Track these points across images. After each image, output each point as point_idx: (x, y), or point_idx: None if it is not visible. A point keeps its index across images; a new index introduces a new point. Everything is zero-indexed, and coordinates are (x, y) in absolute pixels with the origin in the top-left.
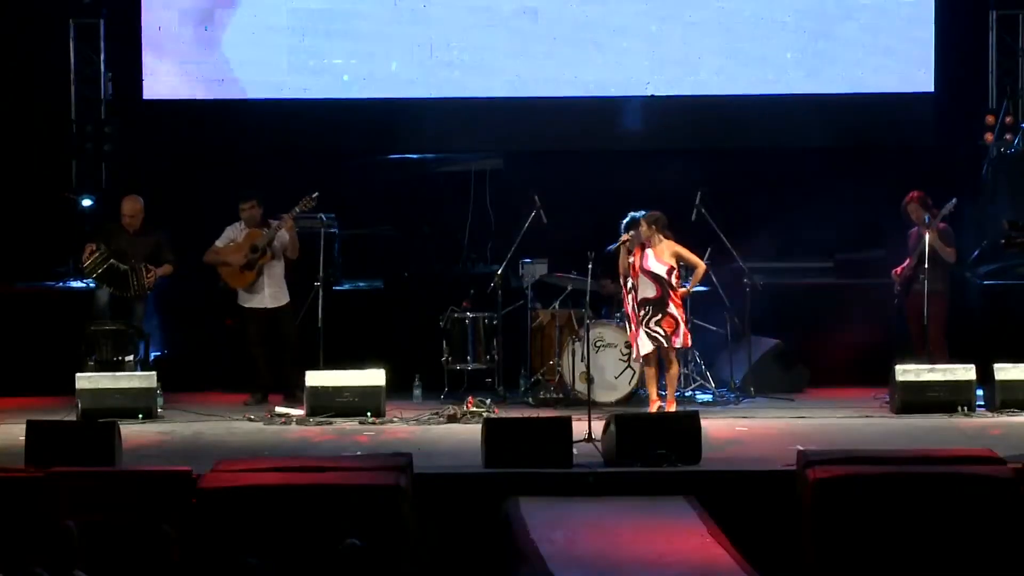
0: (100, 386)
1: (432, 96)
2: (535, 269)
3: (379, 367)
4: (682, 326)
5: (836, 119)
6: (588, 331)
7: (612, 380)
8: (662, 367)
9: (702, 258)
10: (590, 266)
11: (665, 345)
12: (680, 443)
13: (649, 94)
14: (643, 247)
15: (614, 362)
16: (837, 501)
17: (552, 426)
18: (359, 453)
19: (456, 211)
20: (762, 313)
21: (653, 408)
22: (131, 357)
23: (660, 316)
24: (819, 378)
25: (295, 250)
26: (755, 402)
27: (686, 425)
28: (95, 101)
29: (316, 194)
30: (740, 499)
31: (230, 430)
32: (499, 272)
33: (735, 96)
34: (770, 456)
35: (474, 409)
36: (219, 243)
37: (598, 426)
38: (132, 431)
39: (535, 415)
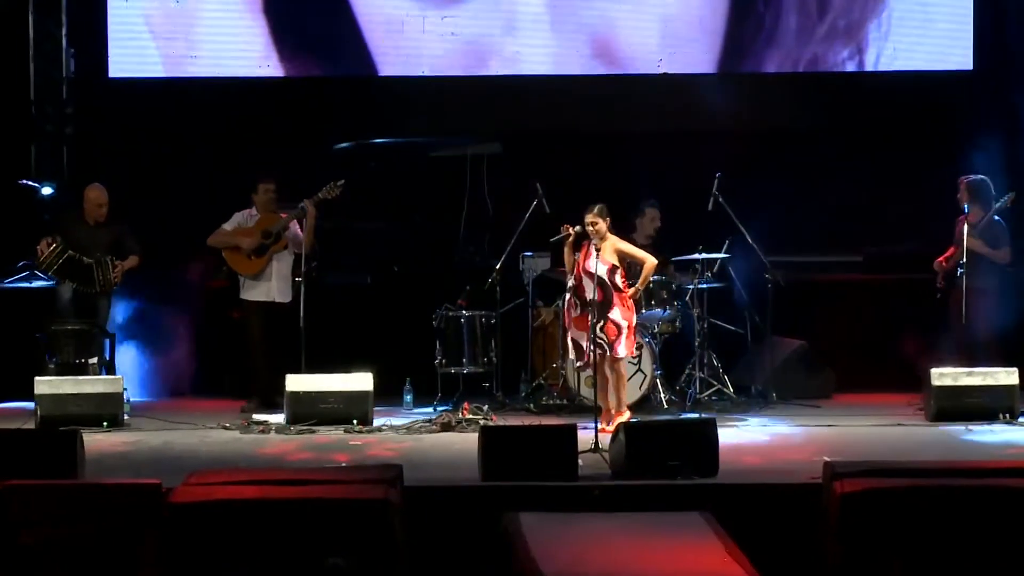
0: (61, 391)
1: (424, 74)
2: (537, 263)
3: (366, 370)
4: (625, 333)
5: (866, 98)
6: (595, 331)
7: None
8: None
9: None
10: (597, 260)
11: (608, 354)
12: (695, 454)
13: (662, 72)
14: (589, 243)
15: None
16: (866, 517)
17: (555, 435)
18: (344, 464)
19: (450, 200)
20: (785, 312)
21: (605, 424)
22: (95, 359)
23: (602, 322)
24: (847, 382)
25: (311, 243)
26: (777, 409)
27: (702, 434)
28: (56, 80)
29: (342, 181)
30: (761, 515)
31: (203, 440)
32: (497, 267)
33: (754, 74)
34: (794, 468)
35: (470, 416)
36: (227, 226)
37: (605, 435)
38: (96, 440)
39: (537, 423)
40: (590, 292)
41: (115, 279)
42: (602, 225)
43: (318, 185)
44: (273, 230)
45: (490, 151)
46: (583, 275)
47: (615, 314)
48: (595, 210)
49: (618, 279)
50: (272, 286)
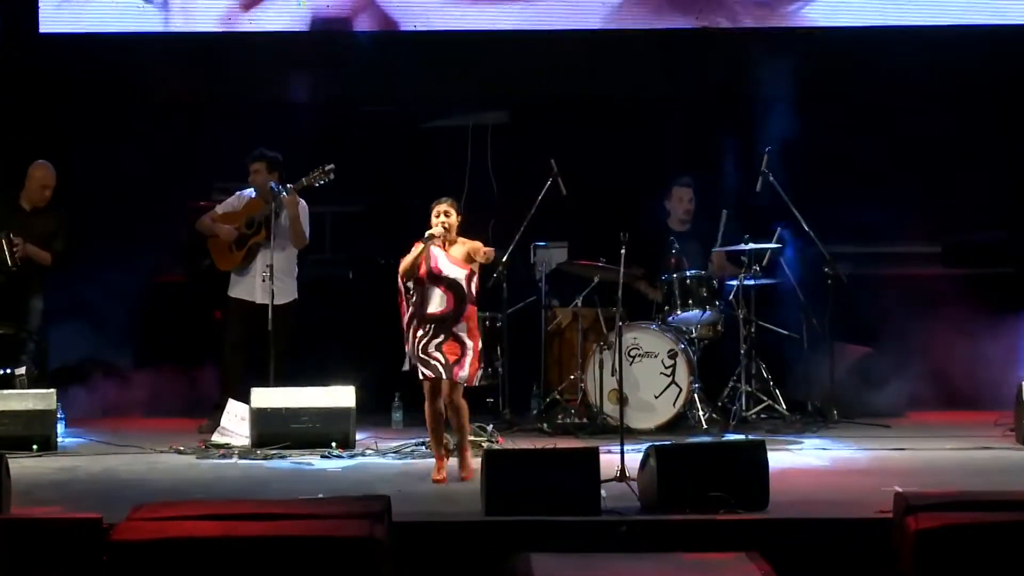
0: None
1: (418, 29)
2: (551, 255)
3: (347, 383)
4: (470, 355)
5: (942, 58)
6: (620, 336)
7: (651, 400)
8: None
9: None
10: (623, 251)
11: (443, 377)
12: (741, 483)
13: (701, 26)
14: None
15: (654, 377)
16: (945, 558)
17: (574, 460)
18: (321, 496)
19: (449, 178)
20: (848, 313)
21: (436, 474)
22: (23, 370)
23: (442, 337)
24: (922, 398)
25: (298, 236)
26: (839, 429)
27: (749, 459)
28: None
29: (332, 166)
30: (819, 556)
31: (152, 466)
32: (504, 259)
33: (809, 30)
34: (858, 500)
35: (472, 438)
36: (219, 209)
37: (634, 461)
38: (24, 467)
39: (551, 446)
40: (435, 303)
41: (13, 261)
42: (455, 220)
43: (293, 160)
44: (256, 218)
45: (495, 120)
46: (428, 282)
47: (462, 331)
48: (448, 200)
49: (473, 288)
50: (255, 285)
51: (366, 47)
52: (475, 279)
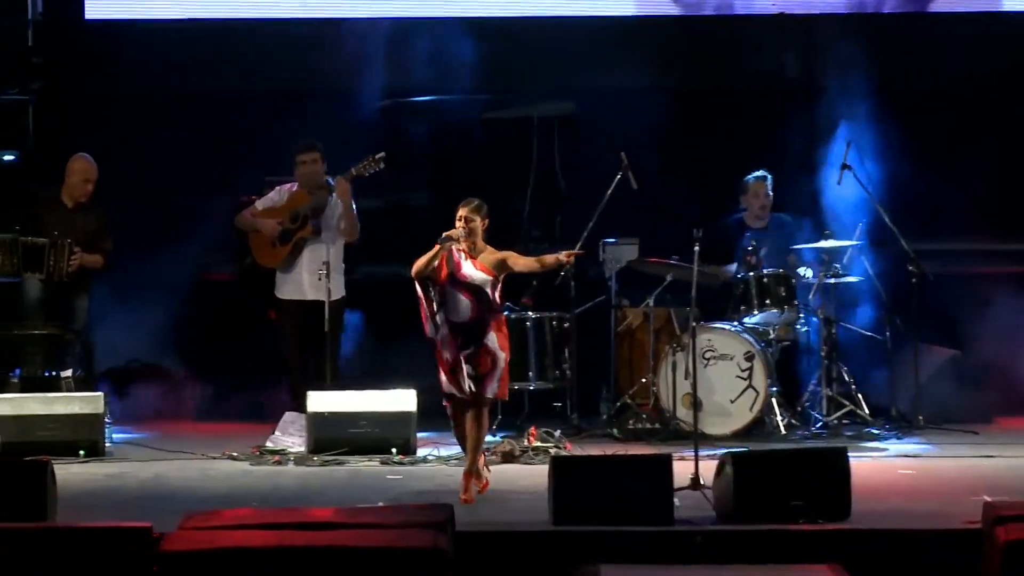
0: (27, 411)
1: (478, 15)
2: (621, 252)
3: (408, 386)
4: (501, 367)
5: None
6: (694, 337)
7: (727, 405)
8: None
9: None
10: (697, 248)
11: (472, 390)
12: (822, 492)
13: (778, 12)
14: (454, 248)
15: (730, 380)
16: None
17: (645, 467)
18: (381, 504)
19: (513, 172)
20: (934, 313)
21: (464, 492)
22: (69, 372)
23: (472, 348)
24: (1012, 403)
25: (352, 228)
26: (925, 435)
27: (831, 467)
28: (19, 23)
29: (382, 154)
30: (903, 569)
31: (204, 472)
32: (579, 252)
33: (890, 16)
34: (945, 510)
35: (538, 444)
36: (259, 204)
37: (709, 468)
38: (71, 473)
39: (622, 452)
40: (460, 310)
41: (68, 268)
42: (479, 226)
43: (348, 152)
44: (301, 211)
45: (562, 112)
46: (449, 287)
47: (492, 341)
48: (474, 204)
49: (496, 296)
50: (303, 281)
51: (425, 34)
52: (500, 287)
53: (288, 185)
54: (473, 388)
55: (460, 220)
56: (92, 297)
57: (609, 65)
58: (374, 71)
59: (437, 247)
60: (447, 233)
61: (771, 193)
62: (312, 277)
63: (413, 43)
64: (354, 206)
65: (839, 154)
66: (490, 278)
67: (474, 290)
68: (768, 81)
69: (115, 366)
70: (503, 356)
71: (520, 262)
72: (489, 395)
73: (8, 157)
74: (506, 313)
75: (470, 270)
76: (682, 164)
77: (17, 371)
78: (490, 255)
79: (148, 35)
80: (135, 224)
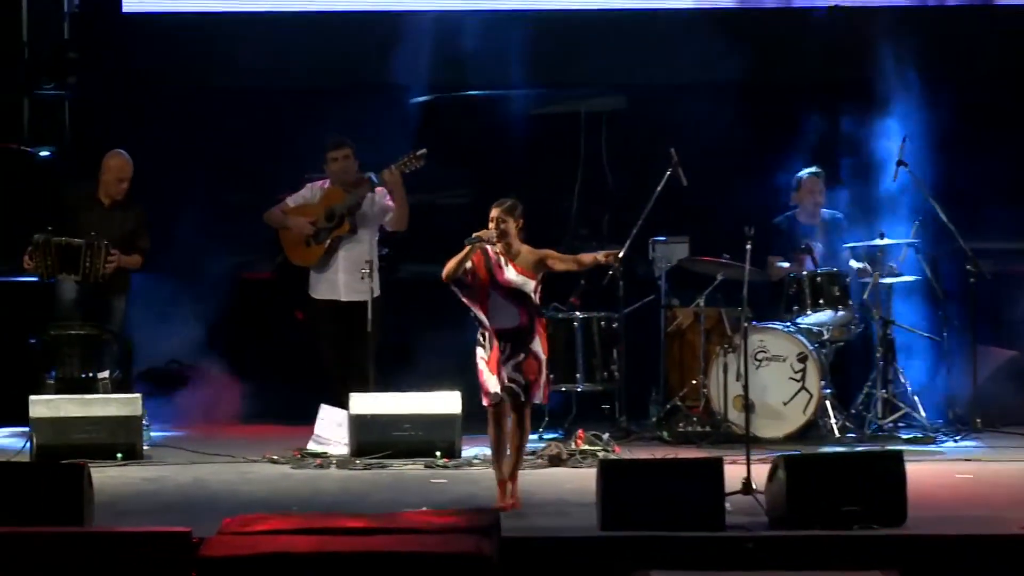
0: (63, 414)
1: (524, 8)
2: (671, 250)
3: (453, 388)
4: (544, 372)
5: None
6: (746, 338)
7: (780, 407)
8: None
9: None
10: (748, 246)
11: (522, 399)
12: (877, 497)
13: (833, 4)
14: (490, 251)
15: (782, 382)
16: None
17: (696, 471)
18: (424, 508)
19: (560, 169)
20: (993, 313)
21: (502, 500)
22: (106, 373)
23: (522, 356)
24: None
25: (403, 218)
26: (983, 438)
27: (886, 471)
28: (55, 16)
29: (424, 151)
30: (960, 575)
31: (244, 476)
32: (620, 255)
33: (945, 8)
34: (1003, 515)
35: (586, 447)
36: (291, 201)
37: (761, 472)
38: (108, 476)
39: (672, 455)
40: (505, 316)
41: (106, 270)
42: (512, 225)
43: (389, 147)
44: (338, 209)
45: (611, 107)
46: (492, 292)
47: (537, 346)
48: (507, 204)
49: (537, 298)
50: (339, 281)
51: (474, 28)
52: (539, 289)
53: (320, 182)
54: (523, 395)
55: (492, 221)
56: (130, 297)
57: (659, 59)
58: (420, 66)
59: (467, 248)
60: (477, 233)
61: (824, 189)
62: (348, 277)
63: (460, 37)
64: (389, 200)
65: (894, 150)
66: (532, 281)
67: (517, 295)
68: (822, 75)
69: (155, 366)
70: (545, 359)
71: (559, 262)
72: (537, 401)
73: (44, 153)
74: (553, 313)
75: (511, 275)
76: (733, 160)
77: (53, 372)
78: (528, 255)
79: (187, 28)
80: (174, 222)
